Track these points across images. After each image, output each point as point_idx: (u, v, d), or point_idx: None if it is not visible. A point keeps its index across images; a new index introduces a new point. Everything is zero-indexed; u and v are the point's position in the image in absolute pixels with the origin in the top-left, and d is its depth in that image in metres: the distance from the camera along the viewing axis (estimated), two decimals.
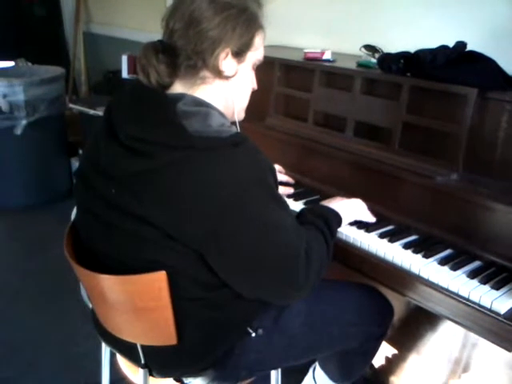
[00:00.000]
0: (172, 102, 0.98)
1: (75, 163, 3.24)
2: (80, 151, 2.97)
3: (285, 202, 1.04)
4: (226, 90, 1.07)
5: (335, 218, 1.19)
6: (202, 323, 1.05)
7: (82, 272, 1.07)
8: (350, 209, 1.29)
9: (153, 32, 2.98)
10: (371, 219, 1.34)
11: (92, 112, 2.68)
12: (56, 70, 3.12)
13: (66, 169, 3.26)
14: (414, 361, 1.66)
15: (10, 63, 3.56)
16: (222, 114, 1.04)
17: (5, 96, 2.79)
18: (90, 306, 2.03)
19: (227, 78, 1.05)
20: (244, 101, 1.15)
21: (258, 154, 0.99)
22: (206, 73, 1.03)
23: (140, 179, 0.94)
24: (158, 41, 1.06)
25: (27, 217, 3.03)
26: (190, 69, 1.02)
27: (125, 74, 2.92)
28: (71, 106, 2.89)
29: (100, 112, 2.66)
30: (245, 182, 0.94)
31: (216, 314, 1.05)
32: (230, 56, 1.03)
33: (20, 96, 2.83)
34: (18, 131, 2.85)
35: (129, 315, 1.06)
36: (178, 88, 1.04)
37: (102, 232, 1.04)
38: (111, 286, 1.02)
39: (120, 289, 1.02)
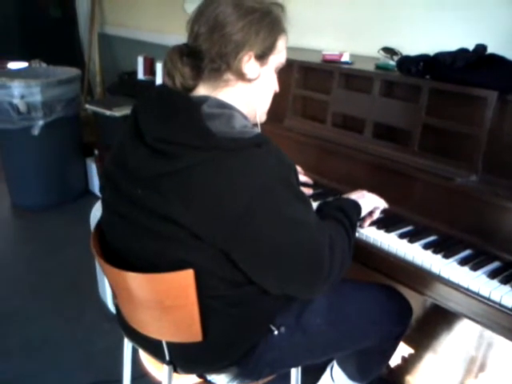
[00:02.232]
0: (196, 104, 1.00)
1: (90, 164, 3.27)
2: (96, 152, 3.00)
3: (308, 200, 1.05)
4: (249, 93, 1.09)
5: (355, 209, 1.21)
6: (227, 320, 1.07)
7: (109, 270, 1.09)
8: (368, 197, 1.30)
9: (168, 34, 3.03)
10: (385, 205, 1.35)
11: (109, 113, 2.70)
12: (72, 71, 3.15)
13: (82, 169, 3.30)
14: (430, 360, 1.68)
15: (24, 64, 3.61)
16: (244, 116, 1.06)
17: (22, 97, 2.83)
18: (108, 304, 2.07)
19: (250, 80, 1.07)
20: (266, 103, 1.17)
21: (280, 154, 1.01)
22: (229, 76, 1.05)
23: (166, 180, 0.96)
24: (183, 44, 1.09)
25: (44, 216, 3.07)
26: (213, 72, 1.04)
27: (140, 76, 2.95)
28: (87, 106, 2.92)
29: (116, 113, 2.69)
30: (269, 182, 0.96)
31: (241, 312, 1.07)
32: (252, 59, 1.05)
33: (37, 97, 2.86)
34: (35, 131, 2.89)
35: (156, 312, 1.08)
36: (201, 90, 1.06)
37: (128, 232, 1.06)
38: (139, 284, 1.05)
39: (148, 287, 1.04)
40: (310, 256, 1.00)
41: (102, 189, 1.16)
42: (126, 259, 1.08)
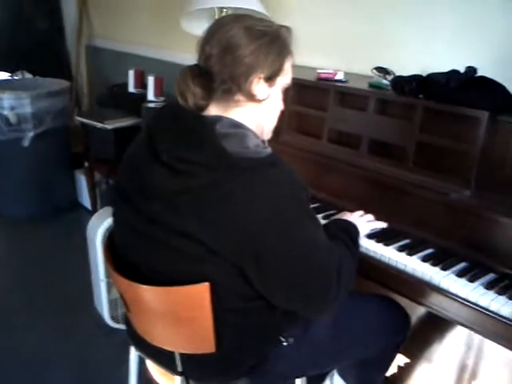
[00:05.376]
0: (211, 124, 1.04)
1: (79, 175, 3.27)
2: (86, 164, 3.01)
3: (318, 220, 1.10)
4: (258, 112, 1.13)
5: (356, 232, 1.26)
6: (239, 332, 1.11)
7: (122, 283, 1.12)
8: (363, 221, 1.36)
9: (162, 48, 3.07)
10: (382, 225, 1.41)
11: (100, 125, 2.71)
12: (61, 83, 3.17)
13: (71, 181, 3.30)
14: (424, 369, 1.74)
15: (6, 75, 3.58)
16: (255, 135, 1.10)
17: (13, 108, 2.84)
18: (104, 316, 2.07)
19: (259, 101, 1.11)
20: (273, 121, 1.21)
21: (293, 174, 1.05)
22: (239, 97, 1.08)
23: (183, 198, 0.99)
24: (194, 65, 1.11)
25: (32, 228, 3.06)
26: (225, 93, 1.07)
27: (131, 89, 2.96)
28: (78, 118, 2.92)
29: (108, 126, 2.70)
30: (283, 201, 1.00)
31: (252, 324, 1.11)
32: (262, 81, 1.09)
33: (27, 108, 2.88)
34: (25, 143, 2.89)
35: (170, 324, 1.11)
36: (212, 110, 1.09)
37: (144, 246, 1.08)
38: (155, 296, 1.08)
39: (164, 299, 1.07)
40: (319, 277, 1.04)
41: (113, 203, 1.19)
42: (138, 271, 1.10)
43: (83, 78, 3.84)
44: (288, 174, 1.04)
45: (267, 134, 1.21)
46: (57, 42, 3.92)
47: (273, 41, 1.09)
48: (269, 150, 1.06)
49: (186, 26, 2.25)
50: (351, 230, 1.26)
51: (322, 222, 1.49)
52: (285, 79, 1.15)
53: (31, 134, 2.90)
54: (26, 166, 3.01)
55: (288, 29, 1.17)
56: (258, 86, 1.09)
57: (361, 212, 1.40)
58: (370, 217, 1.41)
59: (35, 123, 2.91)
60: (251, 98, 1.09)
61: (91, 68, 3.84)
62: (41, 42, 3.88)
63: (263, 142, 1.16)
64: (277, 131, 1.81)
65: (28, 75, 3.54)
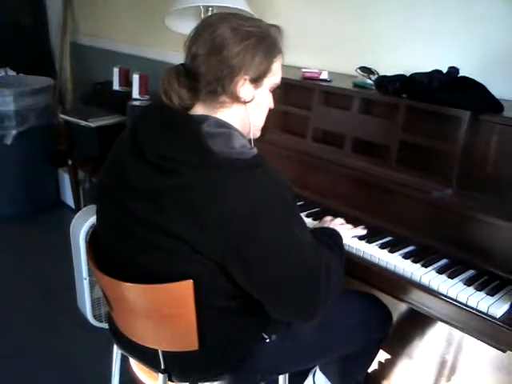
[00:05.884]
0: (197, 123, 1.03)
1: (62, 174, 3.25)
2: (69, 162, 2.98)
3: (304, 222, 1.10)
4: (244, 113, 1.12)
5: (340, 238, 1.28)
6: (222, 329, 1.11)
7: (105, 281, 1.12)
8: (344, 229, 1.39)
9: (146, 46, 3.06)
10: (362, 232, 1.43)
11: (84, 123, 2.69)
12: (45, 81, 3.14)
13: (54, 179, 3.27)
14: (405, 365, 1.76)
15: None
16: (242, 135, 1.09)
17: None
18: (87, 315, 2.06)
19: (245, 102, 1.10)
20: (260, 121, 1.20)
21: (277, 175, 1.04)
22: (225, 98, 1.08)
23: (167, 196, 0.99)
24: (180, 64, 1.11)
25: (14, 227, 3.02)
26: (210, 94, 1.07)
27: (116, 86, 2.95)
28: (62, 116, 2.89)
29: (92, 124, 2.68)
30: (269, 201, 0.99)
31: (235, 321, 1.11)
32: (247, 83, 1.08)
33: (10, 106, 2.85)
34: (8, 141, 2.86)
35: (154, 323, 1.11)
36: (199, 110, 1.09)
37: (128, 244, 1.08)
38: (138, 294, 1.07)
39: (147, 297, 1.07)
40: (308, 276, 1.04)
41: (97, 200, 1.18)
42: (121, 269, 1.10)
43: (67, 76, 3.80)
44: (273, 175, 1.03)
45: (255, 134, 1.20)
46: (41, 38, 3.89)
47: (260, 41, 1.08)
48: (254, 150, 1.05)
49: (172, 24, 2.25)
50: (336, 236, 1.27)
51: (306, 220, 1.50)
52: (273, 79, 1.14)
53: (14, 132, 2.87)
54: (8, 164, 2.97)
55: (278, 28, 1.16)
56: (244, 88, 1.08)
57: (341, 220, 1.43)
58: (350, 226, 1.43)
59: (18, 121, 2.88)
60: (236, 99, 1.09)
61: (75, 65, 3.80)
62: (24, 39, 3.84)
63: (249, 141, 1.16)
64: (262, 130, 1.84)
65: (11, 72, 3.50)
